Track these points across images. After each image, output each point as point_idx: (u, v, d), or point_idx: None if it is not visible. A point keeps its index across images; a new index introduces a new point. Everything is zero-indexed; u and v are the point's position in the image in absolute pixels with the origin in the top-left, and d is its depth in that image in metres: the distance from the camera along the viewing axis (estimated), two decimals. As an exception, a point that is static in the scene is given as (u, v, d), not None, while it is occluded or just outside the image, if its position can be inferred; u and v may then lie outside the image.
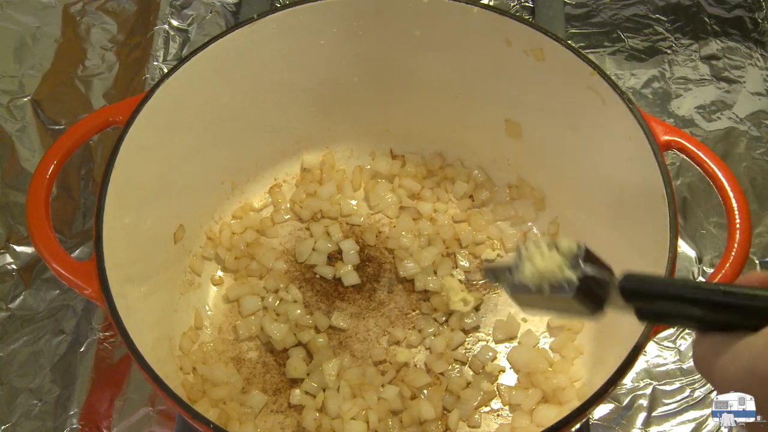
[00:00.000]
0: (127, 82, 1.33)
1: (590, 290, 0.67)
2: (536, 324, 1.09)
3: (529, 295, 0.71)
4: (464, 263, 1.13)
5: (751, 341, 0.56)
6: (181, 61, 0.99)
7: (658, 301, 0.64)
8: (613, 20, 1.40)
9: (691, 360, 0.74)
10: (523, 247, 0.71)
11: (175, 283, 1.08)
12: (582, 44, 1.37)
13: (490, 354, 1.05)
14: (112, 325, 0.86)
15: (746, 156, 1.25)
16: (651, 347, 1.10)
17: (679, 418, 1.05)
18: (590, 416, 1.04)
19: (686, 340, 1.10)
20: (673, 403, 1.06)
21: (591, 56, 1.10)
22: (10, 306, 1.13)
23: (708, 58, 1.35)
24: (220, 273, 1.14)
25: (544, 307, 0.73)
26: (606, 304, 0.67)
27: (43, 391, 1.07)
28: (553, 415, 0.98)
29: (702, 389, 1.06)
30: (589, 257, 0.68)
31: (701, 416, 1.04)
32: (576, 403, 0.89)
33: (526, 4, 1.41)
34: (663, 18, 1.40)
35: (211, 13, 1.41)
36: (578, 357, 1.04)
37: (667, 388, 1.07)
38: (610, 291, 0.67)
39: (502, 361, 1.06)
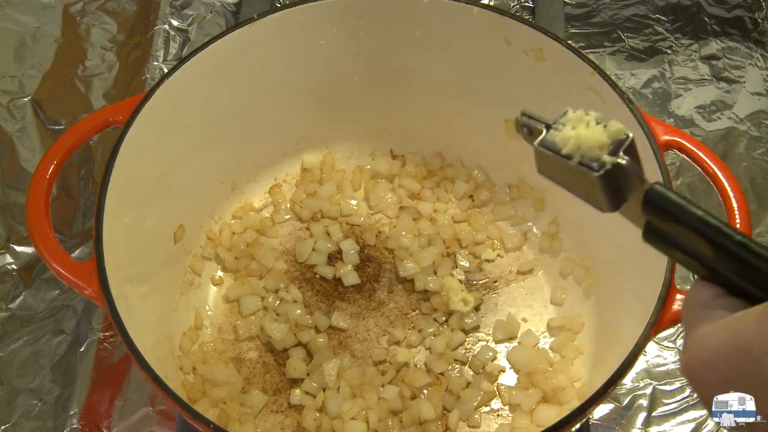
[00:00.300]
0: (127, 82, 1.33)
1: (615, 182, 0.63)
2: (536, 324, 1.09)
3: (553, 159, 0.67)
4: (464, 263, 1.13)
5: (744, 314, 0.52)
6: (181, 61, 0.99)
7: (674, 224, 0.60)
8: (613, 20, 1.40)
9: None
10: (571, 109, 0.67)
11: (175, 283, 1.08)
12: (582, 44, 1.37)
13: (490, 354, 1.05)
14: (112, 325, 0.86)
15: (746, 156, 1.25)
16: (651, 347, 1.10)
17: (679, 418, 1.05)
18: (590, 416, 1.04)
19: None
20: (673, 403, 1.06)
21: (591, 56, 1.10)
22: (10, 306, 1.13)
23: (708, 58, 1.35)
24: (220, 273, 1.14)
25: (560, 177, 0.69)
26: (623, 204, 0.64)
27: (43, 391, 1.07)
28: (553, 415, 0.98)
29: (702, 389, 1.06)
30: (631, 151, 0.64)
31: (701, 416, 1.04)
32: (576, 403, 0.89)
33: (526, 4, 1.41)
34: (663, 18, 1.40)
35: (211, 13, 1.41)
36: (578, 357, 1.04)
37: (667, 388, 1.07)
38: (635, 192, 0.63)
39: (502, 361, 1.06)
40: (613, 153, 0.63)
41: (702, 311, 0.56)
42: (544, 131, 0.69)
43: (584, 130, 0.65)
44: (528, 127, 0.72)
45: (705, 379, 0.53)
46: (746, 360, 0.49)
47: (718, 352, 0.52)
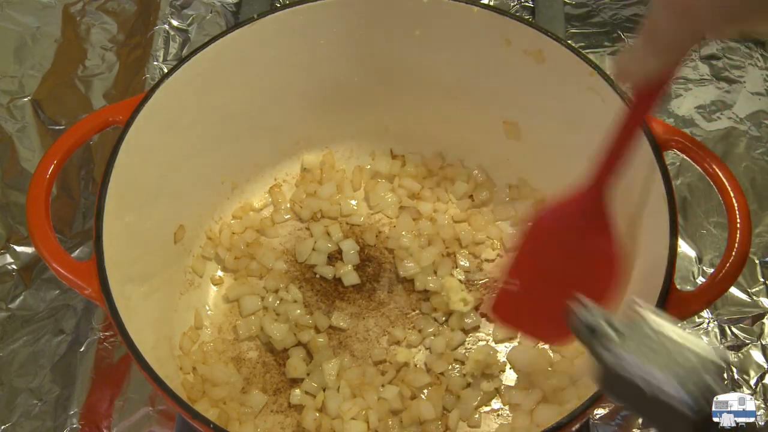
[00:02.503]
0: (127, 82, 1.33)
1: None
2: (536, 324, 1.09)
3: (630, 383, 0.52)
4: (464, 263, 1.13)
5: None
6: (181, 61, 0.99)
7: None
8: (613, 20, 1.40)
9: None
10: (637, 304, 0.53)
11: (175, 283, 1.08)
12: (582, 44, 1.37)
13: (491, 354, 1.05)
14: (112, 325, 0.86)
15: (746, 156, 1.25)
16: (651, 347, 1.09)
17: (679, 418, 1.05)
18: (590, 416, 1.04)
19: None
20: (673, 403, 1.06)
21: (591, 56, 1.10)
22: (10, 306, 1.13)
23: (708, 58, 1.35)
24: (220, 273, 1.14)
25: (633, 399, 0.55)
26: None
27: (43, 391, 1.07)
28: (553, 415, 0.98)
29: (702, 389, 1.06)
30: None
31: (701, 416, 1.04)
32: (576, 403, 0.89)
33: (526, 4, 1.41)
34: (663, 18, 1.40)
35: (211, 13, 1.41)
36: (578, 357, 1.04)
37: (667, 388, 1.07)
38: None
39: (501, 360, 1.06)
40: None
41: None
42: (613, 335, 0.51)
43: (673, 342, 0.46)
44: (590, 326, 0.55)
45: None
46: None
47: None
